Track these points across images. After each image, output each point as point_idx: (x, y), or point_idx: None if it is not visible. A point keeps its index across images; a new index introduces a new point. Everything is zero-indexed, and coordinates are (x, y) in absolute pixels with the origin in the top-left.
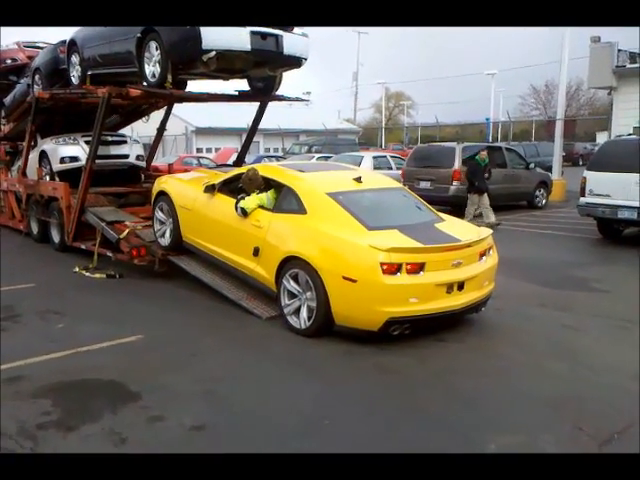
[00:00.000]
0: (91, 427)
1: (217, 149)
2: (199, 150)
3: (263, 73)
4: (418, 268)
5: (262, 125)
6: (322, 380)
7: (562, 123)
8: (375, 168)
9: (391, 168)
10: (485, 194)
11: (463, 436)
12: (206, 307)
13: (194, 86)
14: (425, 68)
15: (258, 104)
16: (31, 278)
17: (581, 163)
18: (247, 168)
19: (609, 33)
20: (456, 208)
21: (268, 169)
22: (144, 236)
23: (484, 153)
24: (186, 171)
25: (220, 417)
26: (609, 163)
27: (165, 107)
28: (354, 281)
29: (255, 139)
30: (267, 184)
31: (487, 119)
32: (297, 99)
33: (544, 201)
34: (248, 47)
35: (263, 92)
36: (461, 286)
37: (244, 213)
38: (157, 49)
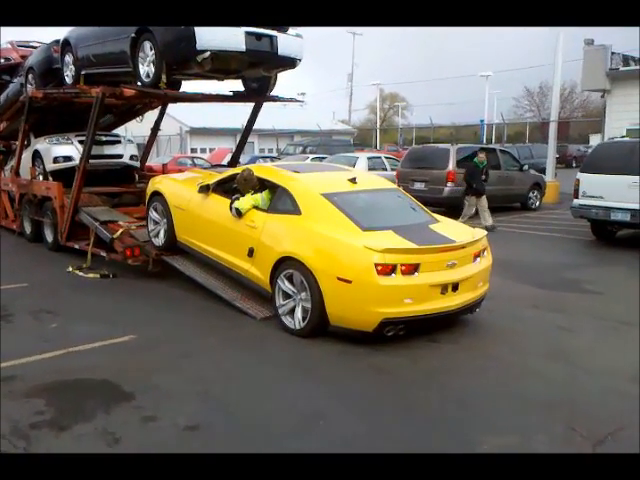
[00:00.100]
0: (84, 427)
1: (211, 149)
2: (193, 150)
3: (258, 74)
4: (413, 269)
5: (257, 125)
6: (317, 380)
7: (556, 125)
8: (369, 169)
9: (385, 169)
10: (484, 196)
11: (456, 436)
12: (200, 307)
13: (188, 86)
14: (420, 69)
15: (253, 105)
16: (24, 278)
17: (575, 165)
18: (242, 168)
19: (603, 35)
20: (450, 209)
21: (263, 170)
22: (138, 236)
23: (482, 155)
24: (180, 171)
25: (214, 417)
26: (602, 165)
27: (159, 107)
28: (349, 282)
29: (250, 139)
30: (262, 185)
31: (481, 121)
32: (292, 100)
33: (538, 203)
34: (243, 47)
35: (258, 93)
36: (455, 287)
37: (239, 213)
38: (151, 49)
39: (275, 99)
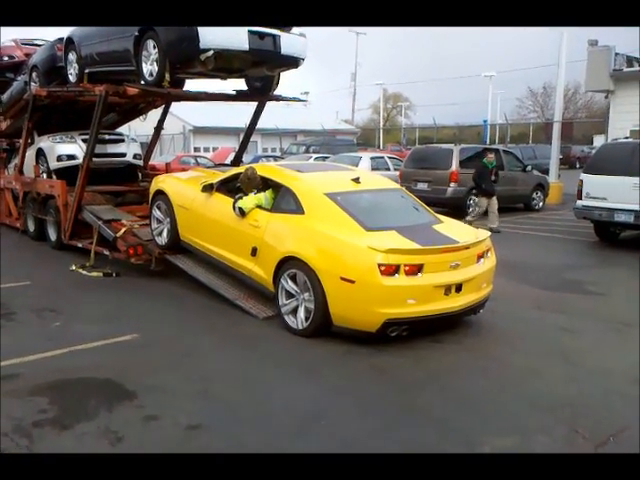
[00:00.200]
0: (87, 425)
1: (215, 148)
2: (197, 149)
3: (261, 73)
4: (416, 269)
5: (260, 125)
6: (318, 380)
7: (559, 126)
8: (373, 169)
9: (389, 169)
10: (494, 197)
11: (458, 437)
12: (202, 306)
13: (192, 85)
14: (423, 70)
15: (256, 104)
16: (27, 276)
17: (578, 166)
18: (245, 168)
19: (607, 36)
20: (454, 209)
21: (266, 169)
22: (141, 235)
23: (492, 155)
24: (184, 170)
25: (216, 417)
26: (606, 166)
27: (163, 106)
28: (352, 282)
29: (253, 139)
30: (265, 184)
31: (485, 121)
32: (295, 99)
33: (541, 204)
34: (246, 47)
35: (261, 92)
36: (459, 288)
37: (242, 213)
38: (155, 48)
39: (278, 98)
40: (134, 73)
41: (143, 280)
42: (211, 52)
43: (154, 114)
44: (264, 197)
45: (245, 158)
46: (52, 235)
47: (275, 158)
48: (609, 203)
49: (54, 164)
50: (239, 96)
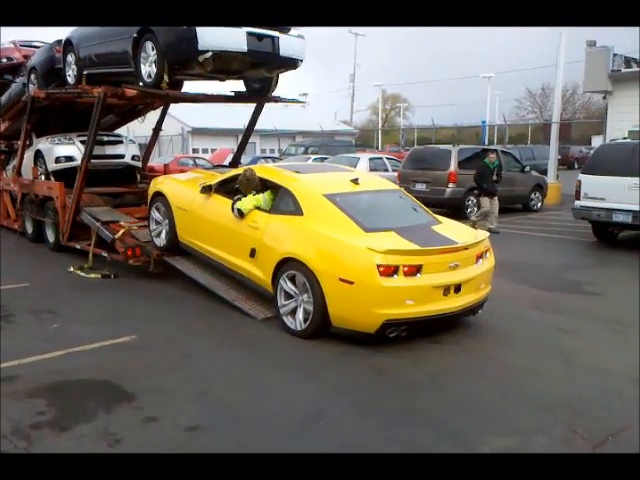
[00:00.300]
0: (85, 427)
1: (213, 150)
2: (195, 150)
3: (259, 74)
4: (415, 270)
5: (258, 126)
6: (317, 381)
7: (558, 126)
8: (371, 170)
9: (387, 170)
10: (496, 198)
11: (457, 437)
12: (201, 308)
13: (190, 87)
14: (422, 70)
15: (254, 105)
16: (26, 278)
17: (576, 166)
18: (244, 169)
19: (605, 37)
20: (452, 210)
21: (265, 170)
22: (139, 236)
23: (493, 155)
24: (182, 171)
25: (215, 418)
26: (604, 167)
27: (161, 107)
28: (351, 283)
29: (251, 140)
30: (264, 185)
31: (483, 122)
32: (293, 100)
33: (539, 204)
34: (244, 48)
35: (259, 93)
36: (458, 288)
37: (241, 214)
38: (153, 49)
39: (277, 100)
40: (133, 75)
41: (141, 282)
42: (209, 53)
43: (152, 115)
44: (263, 198)
45: (243, 159)
46: (50, 237)
47: (274, 159)
48: (607, 203)
49: (52, 166)
50: (238, 97)
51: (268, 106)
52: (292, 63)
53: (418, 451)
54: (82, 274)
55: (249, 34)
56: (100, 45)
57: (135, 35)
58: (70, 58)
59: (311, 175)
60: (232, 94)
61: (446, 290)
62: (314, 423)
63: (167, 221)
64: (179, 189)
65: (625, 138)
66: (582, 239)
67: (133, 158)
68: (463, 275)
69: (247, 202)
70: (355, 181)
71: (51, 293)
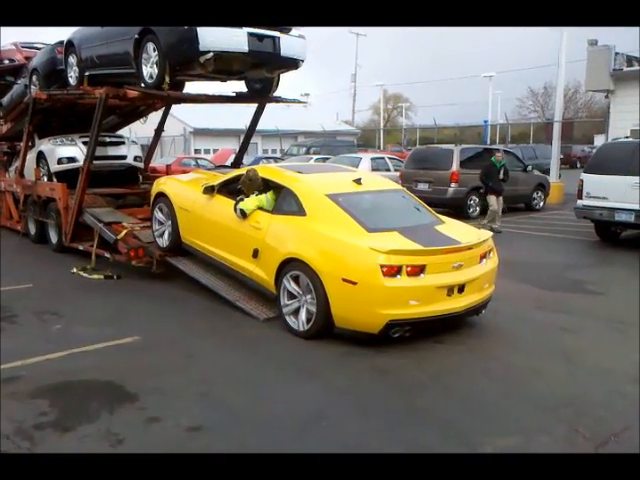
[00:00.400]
0: (88, 428)
1: (215, 150)
2: (197, 151)
3: (260, 75)
4: (418, 270)
5: (260, 126)
6: (320, 382)
7: (560, 126)
8: (373, 170)
9: (389, 170)
10: (500, 198)
11: (460, 437)
12: (203, 308)
13: (192, 87)
14: (423, 70)
15: (256, 105)
16: (28, 279)
17: (579, 166)
18: (246, 169)
19: (607, 36)
20: (455, 210)
21: (267, 170)
22: (142, 237)
23: (500, 154)
24: (184, 172)
25: (217, 418)
26: (606, 166)
27: (163, 108)
28: (354, 283)
29: (253, 140)
30: (266, 185)
31: (485, 121)
32: (295, 101)
33: (542, 203)
34: (245, 48)
35: (261, 93)
36: (462, 288)
37: (243, 214)
38: (155, 50)
39: (278, 100)
40: (134, 76)
41: (144, 282)
42: (211, 54)
43: (154, 116)
44: (265, 199)
45: (245, 160)
46: (53, 238)
47: (275, 159)
48: (610, 203)
49: (55, 167)
50: (239, 98)
51: (270, 106)
52: (293, 63)
53: (419, 451)
54: (85, 275)
55: (250, 34)
56: (101, 46)
57: (136, 36)
58: (72, 59)
59: (313, 175)
60: (233, 94)
61: (450, 290)
62: (316, 424)
63: (170, 222)
64: (182, 190)
65: (627, 137)
66: (584, 238)
67: (135, 159)
68: (467, 275)
69: (250, 202)
70: (358, 181)
71: (54, 294)
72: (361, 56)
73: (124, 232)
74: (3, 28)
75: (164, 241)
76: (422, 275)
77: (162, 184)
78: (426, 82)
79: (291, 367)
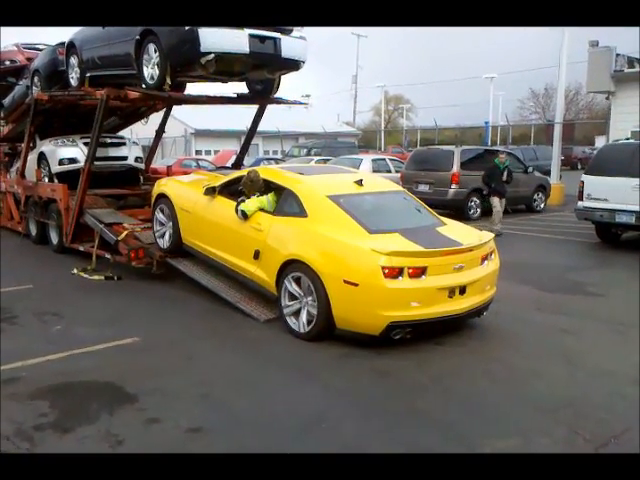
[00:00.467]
0: (88, 429)
1: (216, 151)
2: (198, 152)
3: (262, 76)
4: (420, 272)
5: (261, 127)
6: (320, 383)
7: (561, 127)
8: (374, 171)
9: (390, 171)
10: (503, 199)
11: (460, 439)
12: (204, 309)
13: (193, 88)
14: (424, 71)
15: (257, 107)
16: (29, 279)
17: (579, 167)
18: (247, 171)
19: (608, 37)
20: (455, 211)
21: (269, 172)
22: (143, 238)
23: (503, 156)
24: (185, 173)
25: (217, 420)
26: (607, 167)
27: (164, 109)
28: (355, 285)
29: (254, 142)
30: (267, 187)
31: (486, 122)
32: (296, 102)
33: (542, 205)
34: (247, 50)
35: (262, 95)
36: (463, 290)
37: (244, 216)
38: (156, 51)
39: (279, 101)
40: (135, 77)
41: (144, 283)
42: (212, 55)
43: (155, 117)
44: (267, 200)
45: (246, 161)
46: (54, 239)
47: (276, 161)
48: (610, 204)
49: (56, 168)
50: (240, 99)
51: (270, 107)
52: (294, 64)
53: (418, 451)
54: (85, 276)
55: (251, 36)
56: (103, 47)
57: (137, 37)
58: (73, 60)
59: (315, 177)
60: (234, 96)
61: (451, 292)
62: (317, 425)
63: (171, 223)
64: (183, 191)
65: (628, 139)
66: (585, 240)
67: (136, 160)
68: (468, 277)
69: (251, 204)
70: (359, 182)
71: (54, 295)
72: (362, 57)
73: (125, 233)
74: (3, 28)
75: (165, 242)
76: (423, 277)
77: (163, 185)
78: (427, 83)
79: (291, 368)
